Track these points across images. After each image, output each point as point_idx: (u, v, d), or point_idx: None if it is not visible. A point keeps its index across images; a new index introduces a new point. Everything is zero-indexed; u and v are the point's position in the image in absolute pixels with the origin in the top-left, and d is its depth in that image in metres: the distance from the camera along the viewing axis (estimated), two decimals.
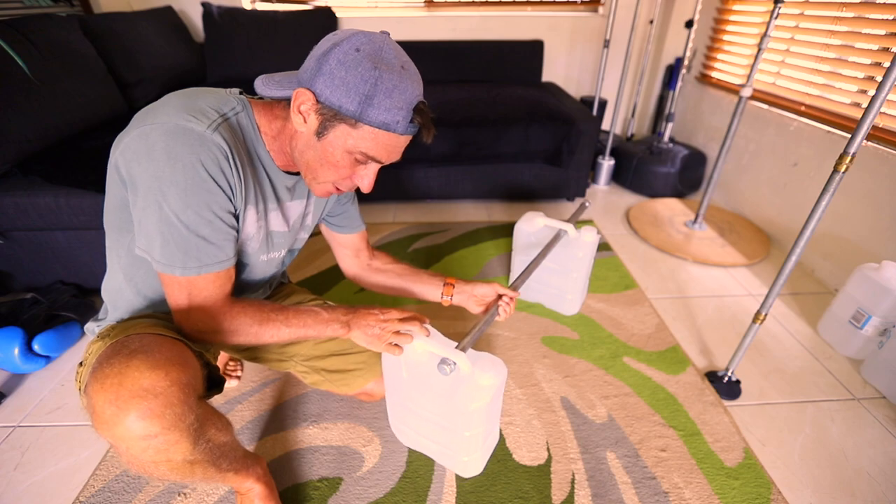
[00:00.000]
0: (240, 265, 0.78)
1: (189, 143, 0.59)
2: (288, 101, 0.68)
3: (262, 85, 0.67)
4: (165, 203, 0.59)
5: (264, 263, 0.83)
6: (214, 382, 0.77)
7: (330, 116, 0.63)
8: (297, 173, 0.77)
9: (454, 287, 0.97)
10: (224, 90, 0.70)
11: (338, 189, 0.72)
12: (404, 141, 0.68)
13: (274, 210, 0.77)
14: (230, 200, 0.65)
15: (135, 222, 0.63)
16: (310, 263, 1.70)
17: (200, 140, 0.59)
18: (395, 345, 0.82)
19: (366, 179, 0.71)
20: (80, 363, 0.72)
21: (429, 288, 0.99)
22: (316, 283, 1.60)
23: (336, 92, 0.61)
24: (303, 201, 0.83)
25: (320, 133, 0.64)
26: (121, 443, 0.56)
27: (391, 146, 0.66)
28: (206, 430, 0.64)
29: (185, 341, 0.65)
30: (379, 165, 0.70)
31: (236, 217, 0.68)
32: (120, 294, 0.76)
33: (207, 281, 0.66)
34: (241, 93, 0.71)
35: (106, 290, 0.79)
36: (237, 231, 0.69)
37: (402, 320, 0.83)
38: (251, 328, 0.71)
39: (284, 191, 0.78)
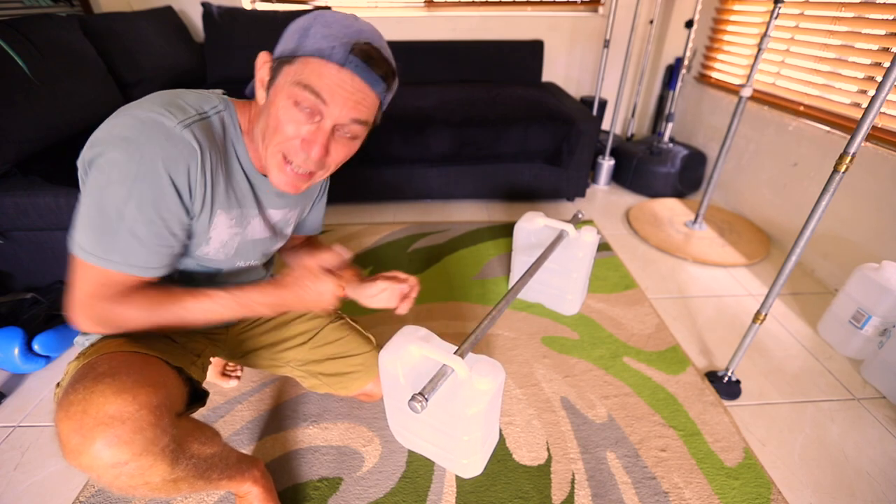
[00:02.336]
0: (215, 271, 0.77)
1: (153, 135, 0.56)
2: None
3: (250, 89, 0.68)
4: (108, 189, 0.56)
5: (244, 271, 0.82)
6: (197, 396, 0.74)
7: (276, 66, 0.62)
8: None
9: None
10: (208, 90, 0.68)
11: (289, 164, 0.65)
12: (350, 80, 0.59)
13: (255, 216, 0.75)
14: (183, 206, 0.61)
15: (79, 203, 0.60)
16: None
17: (167, 135, 0.57)
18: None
19: (315, 145, 0.62)
20: (58, 384, 0.69)
21: None
22: None
23: (284, 42, 0.62)
24: (290, 209, 0.82)
25: (269, 86, 0.63)
26: (90, 472, 0.53)
27: (332, 79, 0.59)
28: (188, 447, 0.61)
29: (162, 358, 0.63)
30: (327, 121, 0.62)
31: (189, 228, 0.65)
32: None
33: (122, 280, 0.61)
34: (224, 93, 0.70)
35: None
36: (182, 245, 0.66)
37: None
38: (139, 317, 0.63)
39: (272, 197, 0.76)
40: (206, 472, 0.66)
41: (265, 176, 0.72)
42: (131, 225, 0.58)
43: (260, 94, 0.64)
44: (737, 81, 2.22)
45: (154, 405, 0.55)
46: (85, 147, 0.59)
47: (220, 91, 0.70)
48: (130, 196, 0.56)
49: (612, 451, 1.04)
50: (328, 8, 2.35)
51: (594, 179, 2.47)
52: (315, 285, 0.72)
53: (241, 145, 0.68)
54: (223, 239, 0.72)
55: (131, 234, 0.58)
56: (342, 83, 0.60)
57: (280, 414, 1.12)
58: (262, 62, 0.64)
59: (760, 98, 2.00)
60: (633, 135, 2.74)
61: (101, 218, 0.57)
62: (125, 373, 0.56)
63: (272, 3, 2.53)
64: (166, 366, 0.63)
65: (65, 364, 1.27)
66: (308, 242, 1.01)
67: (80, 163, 0.61)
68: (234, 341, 0.94)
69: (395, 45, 2.90)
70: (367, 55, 0.59)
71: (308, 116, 0.61)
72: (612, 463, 1.02)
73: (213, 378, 1.18)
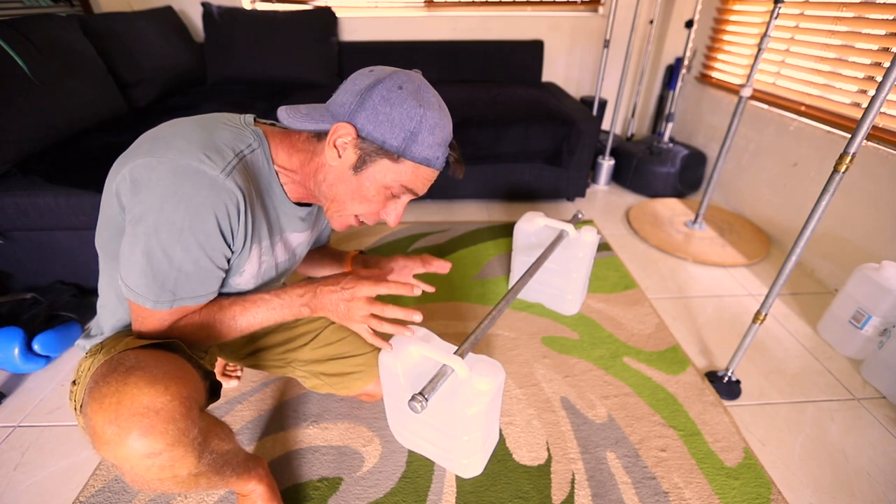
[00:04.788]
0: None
1: (198, 186, 0.57)
2: (315, 134, 0.68)
3: (289, 117, 0.67)
4: (155, 237, 0.58)
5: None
6: (213, 390, 0.75)
7: (371, 151, 0.63)
8: (309, 205, 0.77)
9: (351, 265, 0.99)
10: (240, 119, 0.68)
11: (360, 222, 0.72)
12: (436, 175, 0.70)
13: (278, 242, 0.76)
14: (228, 247, 0.64)
15: (121, 249, 0.62)
16: None
17: (211, 185, 0.58)
18: (384, 333, 0.75)
19: (393, 213, 0.71)
20: (74, 381, 0.70)
21: (331, 269, 1.01)
22: None
23: (380, 128, 0.62)
24: (310, 231, 0.83)
25: (358, 167, 0.65)
26: (124, 462, 0.54)
27: (427, 180, 0.69)
28: (210, 441, 0.63)
29: (181, 352, 0.64)
30: (410, 199, 0.71)
31: (229, 260, 0.67)
32: (113, 314, 0.75)
33: (175, 312, 0.65)
34: (255, 120, 0.70)
35: (101, 307, 0.77)
36: (227, 272, 0.68)
37: (370, 287, 0.71)
38: (196, 336, 0.69)
39: (297, 221, 0.77)
40: (222, 468, 0.67)
41: (299, 205, 0.75)
42: (179, 265, 0.61)
43: (331, 154, 0.64)
44: (737, 81, 2.21)
45: (184, 396, 0.56)
46: (119, 185, 0.59)
47: (251, 119, 0.69)
48: (177, 242, 0.59)
49: (612, 451, 1.04)
50: (332, 13, 2.36)
51: (594, 179, 2.47)
52: (344, 304, 0.72)
53: (273, 179, 0.69)
54: (254, 270, 0.73)
55: (179, 272, 0.61)
56: (432, 179, 0.70)
57: (280, 414, 1.12)
58: (345, 133, 0.63)
59: (760, 98, 2.00)
60: (633, 135, 2.74)
61: (149, 265, 0.60)
62: (154, 365, 0.57)
63: (272, 3, 2.52)
64: (188, 360, 0.64)
65: (65, 364, 1.27)
66: (328, 252, 1.05)
67: (113, 197, 0.61)
68: (238, 343, 0.94)
69: (396, 45, 2.86)
70: (455, 160, 0.69)
71: (395, 200, 0.71)
72: (612, 463, 1.02)
73: None
